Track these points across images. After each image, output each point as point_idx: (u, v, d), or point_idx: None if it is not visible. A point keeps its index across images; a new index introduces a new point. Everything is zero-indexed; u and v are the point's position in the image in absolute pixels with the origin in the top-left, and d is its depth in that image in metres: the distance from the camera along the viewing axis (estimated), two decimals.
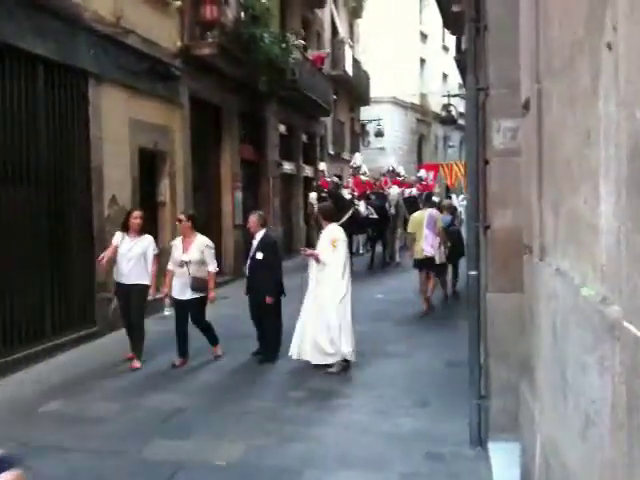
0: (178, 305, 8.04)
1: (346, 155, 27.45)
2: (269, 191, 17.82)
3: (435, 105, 38.07)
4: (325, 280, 7.60)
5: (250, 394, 6.94)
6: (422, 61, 38.58)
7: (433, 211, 11.73)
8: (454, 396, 6.46)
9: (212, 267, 8.00)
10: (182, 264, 7.82)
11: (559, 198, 1.71)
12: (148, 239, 8.06)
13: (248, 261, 8.44)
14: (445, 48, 39.27)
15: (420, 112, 38.69)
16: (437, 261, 11.36)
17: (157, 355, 8.36)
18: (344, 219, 15.64)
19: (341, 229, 8.02)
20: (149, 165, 11.68)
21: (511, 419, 5.07)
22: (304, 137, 22.18)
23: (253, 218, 8.47)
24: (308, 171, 21.97)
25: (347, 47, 26.61)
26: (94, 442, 5.61)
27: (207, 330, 8.21)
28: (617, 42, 1.03)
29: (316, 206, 15.71)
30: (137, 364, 7.87)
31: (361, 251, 20.64)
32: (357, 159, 19.65)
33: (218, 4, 12.82)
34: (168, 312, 9.21)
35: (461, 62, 15.99)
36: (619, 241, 1.08)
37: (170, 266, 8.08)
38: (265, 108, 17.30)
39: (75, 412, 6.36)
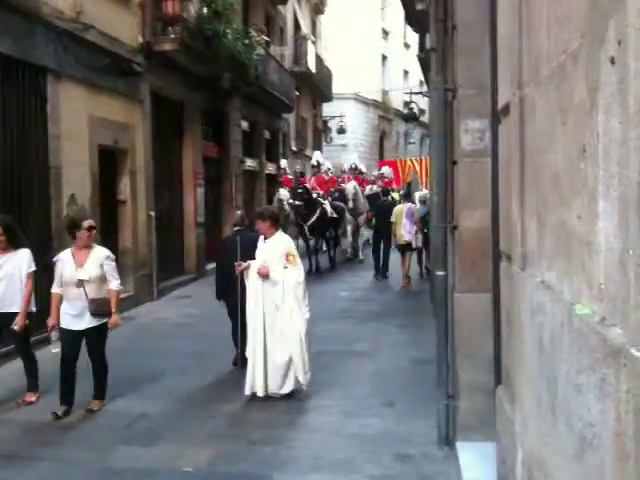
0: (68, 339, 6.42)
1: (309, 152, 27.40)
2: (232, 188, 17.65)
3: (396, 102, 38.29)
4: (286, 304, 6.53)
5: (216, 397, 6.84)
6: (384, 58, 38.72)
7: (411, 204, 14.43)
8: (420, 395, 6.48)
9: (115, 284, 6.53)
10: (78, 284, 6.30)
11: (544, 209, 1.68)
12: (22, 254, 6.61)
13: None
14: (406, 45, 39.49)
15: (382, 109, 38.86)
16: (414, 245, 13.98)
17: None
18: (313, 219, 15.55)
19: (290, 238, 7.09)
20: (109, 163, 11.45)
21: (479, 419, 5.09)
22: (267, 133, 22.06)
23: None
24: (271, 168, 21.85)
25: (310, 43, 26.54)
26: (59, 450, 5.47)
27: (104, 372, 6.60)
28: (625, 58, 0.99)
29: (286, 203, 15.57)
30: (31, 398, 6.67)
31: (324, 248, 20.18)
32: (317, 157, 19.15)
33: None
34: (57, 349, 7.00)
35: (424, 60, 16.05)
36: (623, 264, 1.04)
37: (55, 288, 6.45)
38: (227, 104, 17.13)
39: (37, 419, 6.18)
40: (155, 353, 8.54)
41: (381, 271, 15.15)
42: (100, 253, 6.52)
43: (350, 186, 17.86)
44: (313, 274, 14.51)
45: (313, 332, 6.60)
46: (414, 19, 14.31)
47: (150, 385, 7.19)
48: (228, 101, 17.00)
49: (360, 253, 18.47)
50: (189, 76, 14.37)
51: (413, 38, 27.54)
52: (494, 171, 4.84)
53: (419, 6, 12.04)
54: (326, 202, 16.60)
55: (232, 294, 7.34)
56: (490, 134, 4.95)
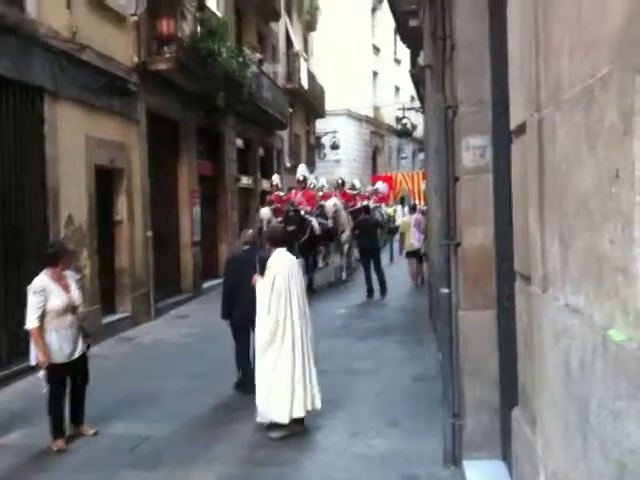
0: (61, 373, 5.96)
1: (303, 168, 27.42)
2: (227, 206, 17.64)
3: (388, 117, 38.48)
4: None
5: (219, 419, 6.79)
6: (375, 74, 38.95)
7: (419, 215, 15.99)
8: (424, 413, 6.45)
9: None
10: (73, 310, 5.98)
11: (569, 232, 1.67)
12: None
13: None
14: (397, 61, 39.78)
15: (374, 124, 39.04)
16: (422, 251, 15.33)
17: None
18: (303, 239, 14.65)
19: (284, 255, 6.43)
20: (106, 183, 11.43)
21: (486, 437, 5.07)
22: (261, 151, 22.10)
23: (245, 233, 8.03)
24: (266, 185, 21.88)
25: (302, 60, 26.68)
26: (60, 475, 5.40)
27: (83, 397, 6.25)
28: None
29: (265, 223, 14.31)
30: None
31: (321, 265, 19.85)
32: (303, 171, 17.35)
33: (174, 19, 12.68)
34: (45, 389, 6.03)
35: (417, 76, 16.14)
36: None
37: (36, 321, 5.76)
38: (222, 122, 17.16)
39: (38, 442, 6.10)
40: (155, 374, 8.47)
41: (380, 291, 14.74)
42: (71, 276, 6.28)
43: (329, 203, 16.64)
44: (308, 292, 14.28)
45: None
46: (407, 36, 14.40)
47: (151, 407, 7.12)
48: (223, 119, 17.04)
49: (343, 273, 17.41)
50: (184, 95, 14.40)
51: (404, 54, 27.74)
52: (496, 188, 4.86)
53: (412, 22, 12.12)
54: (314, 219, 15.69)
55: (239, 313, 7.24)
56: (491, 151, 4.98)
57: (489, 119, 4.86)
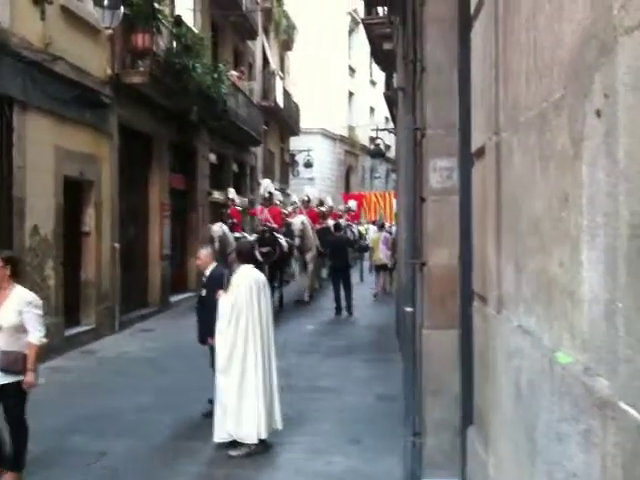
0: None
1: (276, 184, 27.46)
2: (198, 220, 17.55)
3: (363, 137, 38.77)
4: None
5: (178, 436, 6.70)
6: (350, 94, 39.27)
7: (386, 234, 18.32)
8: (386, 432, 6.44)
9: (37, 336, 5.16)
10: None
11: (522, 254, 1.69)
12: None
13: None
14: (372, 82, 40.16)
15: (348, 144, 39.28)
16: (389, 266, 17.43)
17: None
18: (273, 258, 14.25)
19: (249, 272, 6.35)
20: (75, 194, 11.30)
21: (446, 456, 5.06)
22: (235, 166, 22.07)
23: (205, 252, 7.41)
24: (238, 200, 21.80)
25: (278, 78, 26.79)
26: None
27: (23, 438, 5.25)
28: (614, 112, 1.00)
29: (217, 241, 13.71)
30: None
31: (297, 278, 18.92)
32: (268, 187, 16.57)
33: (150, 33, 12.64)
34: None
35: (391, 98, 16.32)
36: (611, 316, 1.04)
37: None
38: (196, 137, 17.12)
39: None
40: (116, 389, 8.34)
41: (347, 309, 14.77)
42: (22, 297, 5.22)
43: (297, 221, 16.04)
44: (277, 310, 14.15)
45: (278, 366, 6.50)
46: (381, 58, 14.59)
47: (111, 423, 6.99)
48: (196, 134, 17.00)
49: (306, 295, 16.72)
50: (158, 109, 14.34)
51: (379, 76, 28.04)
52: (462, 209, 4.91)
53: (386, 46, 12.30)
54: (282, 237, 15.24)
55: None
56: (458, 173, 5.03)
57: (456, 142, 4.91)
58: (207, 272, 7.20)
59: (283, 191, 27.29)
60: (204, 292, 7.11)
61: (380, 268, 18.08)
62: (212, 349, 6.57)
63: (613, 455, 1.01)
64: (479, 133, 2.26)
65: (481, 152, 2.20)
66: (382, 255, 17.67)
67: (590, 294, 1.15)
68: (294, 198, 20.19)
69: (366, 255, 21.65)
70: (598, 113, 1.08)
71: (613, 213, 1.01)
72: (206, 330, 6.69)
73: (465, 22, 3.35)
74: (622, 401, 0.97)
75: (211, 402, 6.49)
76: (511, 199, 1.80)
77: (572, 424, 1.22)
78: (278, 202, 17.30)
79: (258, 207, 17.02)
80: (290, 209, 18.42)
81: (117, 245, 12.57)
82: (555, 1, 1.31)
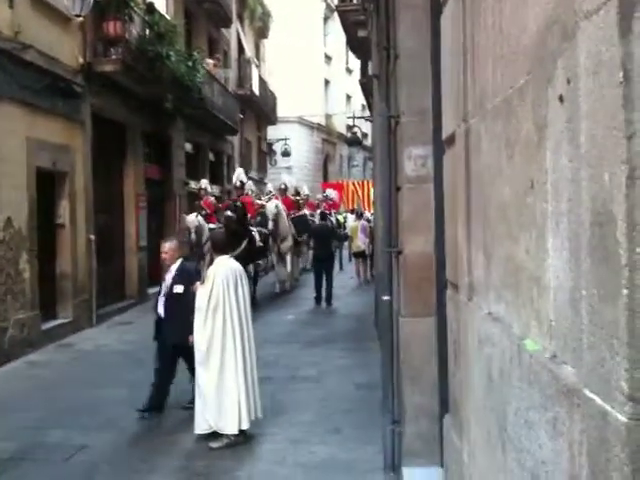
0: None
1: (253, 174, 27.35)
2: (175, 210, 17.42)
3: (340, 125, 38.70)
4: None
5: (158, 428, 6.67)
6: (327, 82, 39.14)
7: (364, 222, 18.64)
8: (366, 421, 6.46)
9: None
10: None
11: (491, 241, 1.68)
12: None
13: (161, 298, 6.99)
14: (349, 70, 40.05)
15: (325, 132, 39.19)
16: (367, 253, 18.00)
17: None
18: (240, 249, 13.01)
19: (225, 262, 6.31)
20: (48, 185, 11.15)
21: (425, 444, 5.09)
22: (211, 155, 21.92)
23: (171, 245, 6.97)
24: (215, 189, 21.66)
25: (254, 67, 26.61)
26: None
27: None
28: (576, 97, 0.99)
29: (193, 232, 13.57)
30: None
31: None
32: (240, 176, 15.99)
33: (122, 21, 12.48)
34: None
35: (366, 85, 16.28)
36: (575, 303, 1.03)
37: None
38: (171, 126, 16.96)
39: None
40: (95, 382, 8.27)
41: (326, 300, 14.65)
42: None
43: (271, 205, 15.57)
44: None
45: (257, 356, 6.48)
46: (356, 46, 14.54)
47: (90, 416, 6.93)
48: (171, 123, 16.84)
49: (280, 285, 16.34)
50: (131, 97, 14.18)
51: (355, 63, 27.96)
52: (437, 197, 4.91)
53: (361, 33, 12.26)
54: (254, 229, 14.62)
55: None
56: (432, 160, 5.03)
57: (430, 129, 4.91)
58: (173, 267, 6.84)
59: (261, 180, 27.19)
60: (179, 288, 6.71)
61: (359, 255, 18.51)
62: (189, 350, 6.38)
63: (579, 442, 1.00)
64: (449, 120, 2.24)
65: (451, 140, 2.19)
66: (360, 243, 18.09)
67: (555, 281, 1.15)
68: (269, 187, 20.03)
69: (345, 244, 21.72)
70: (561, 98, 1.07)
71: (576, 199, 1.00)
72: (186, 329, 6.33)
73: (437, 8, 3.33)
74: (587, 388, 0.96)
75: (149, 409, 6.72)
76: (480, 186, 1.79)
77: (540, 412, 1.22)
78: (250, 192, 16.70)
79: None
80: (265, 199, 17.97)
81: (92, 237, 12.44)
82: None
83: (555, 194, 1.13)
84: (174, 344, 6.77)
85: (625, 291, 0.85)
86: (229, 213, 13.58)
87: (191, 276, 6.75)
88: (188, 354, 6.51)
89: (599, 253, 0.91)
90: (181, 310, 6.59)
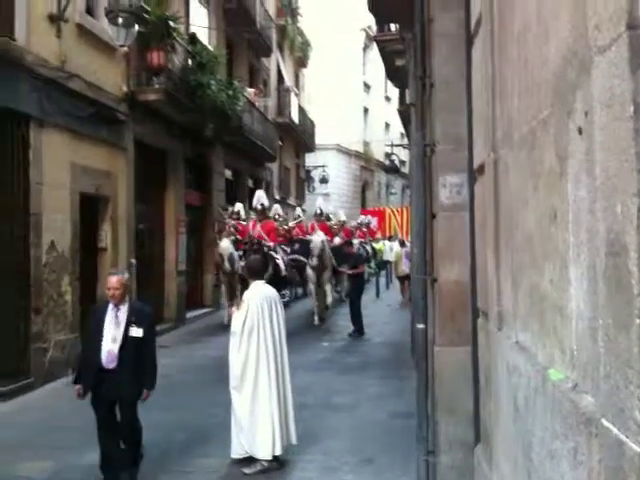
0: None
1: (292, 200, 27.59)
2: (214, 236, 17.61)
3: (378, 153, 38.84)
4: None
5: (192, 453, 6.69)
6: (365, 110, 39.40)
7: (407, 249, 18.23)
8: (400, 450, 6.38)
9: None
10: None
11: (519, 271, 1.69)
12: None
13: (105, 344, 5.50)
14: (387, 98, 40.27)
15: (364, 159, 39.37)
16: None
17: None
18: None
19: (261, 288, 6.30)
20: (91, 210, 11.42)
21: (459, 475, 5.02)
22: (250, 182, 22.18)
23: (120, 279, 5.82)
24: (254, 216, 21.82)
25: (293, 95, 26.97)
26: None
27: None
28: (591, 130, 1.01)
29: (227, 258, 13.16)
30: None
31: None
32: (261, 199, 14.85)
33: (165, 51, 12.81)
34: None
35: (404, 113, 16.34)
36: (594, 332, 1.04)
37: None
38: (211, 153, 17.25)
39: (4, 475, 5.98)
40: None
41: (355, 330, 13.96)
42: None
43: (318, 239, 14.55)
44: None
45: (292, 383, 6.48)
46: (394, 74, 14.64)
47: None
48: (211, 150, 17.13)
49: (316, 318, 15.34)
50: (173, 125, 14.49)
51: (393, 92, 28.12)
52: (472, 225, 4.91)
53: (398, 62, 12.35)
54: (279, 256, 14.02)
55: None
56: (467, 188, 5.03)
57: (465, 157, 4.91)
58: (123, 306, 5.67)
59: (300, 207, 27.33)
60: (138, 332, 5.52)
61: (404, 278, 19.42)
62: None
63: (597, 472, 1.00)
64: (479, 149, 2.26)
65: (481, 169, 2.21)
66: (405, 267, 18.96)
67: (577, 311, 1.15)
68: (298, 211, 20.07)
69: (382, 272, 23.40)
70: (580, 130, 1.08)
71: (593, 230, 1.01)
72: (144, 381, 5.64)
73: (471, 37, 3.37)
74: (604, 418, 0.97)
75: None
76: (508, 216, 1.80)
77: (563, 441, 1.22)
78: (277, 216, 16.37)
79: (250, 222, 15.16)
80: (292, 224, 17.89)
81: (134, 261, 12.65)
82: (541, 20, 1.32)
83: (575, 224, 1.15)
84: (121, 399, 5.70)
85: (638, 320, 0.86)
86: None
87: (149, 317, 5.81)
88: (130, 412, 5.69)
89: (613, 283, 0.92)
90: (141, 358, 5.56)
